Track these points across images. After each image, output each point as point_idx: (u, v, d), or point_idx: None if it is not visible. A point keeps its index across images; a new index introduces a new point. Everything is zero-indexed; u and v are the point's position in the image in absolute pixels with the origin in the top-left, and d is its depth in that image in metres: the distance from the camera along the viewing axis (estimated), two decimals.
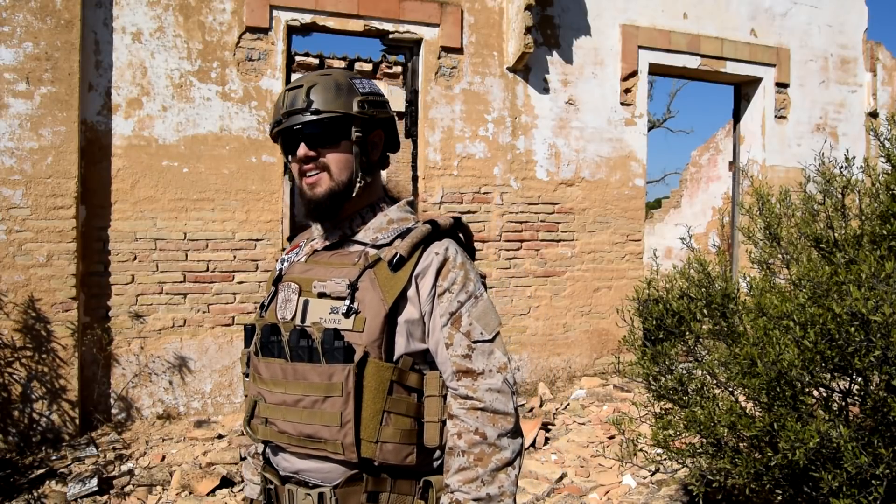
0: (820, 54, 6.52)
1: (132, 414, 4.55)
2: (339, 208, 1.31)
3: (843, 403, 2.29)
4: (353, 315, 1.21)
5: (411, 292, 1.23)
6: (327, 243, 1.34)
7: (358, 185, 1.30)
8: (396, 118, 1.43)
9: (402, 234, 1.28)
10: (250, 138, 4.79)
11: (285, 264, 1.39)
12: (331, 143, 1.27)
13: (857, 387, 2.22)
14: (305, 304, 1.26)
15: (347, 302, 1.21)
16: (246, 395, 1.36)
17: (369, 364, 1.19)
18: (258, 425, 1.30)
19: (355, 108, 1.27)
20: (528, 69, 5.49)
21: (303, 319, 1.25)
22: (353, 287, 1.22)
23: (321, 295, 1.24)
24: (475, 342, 1.23)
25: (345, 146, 1.28)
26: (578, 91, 5.65)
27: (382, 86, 12.20)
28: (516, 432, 1.22)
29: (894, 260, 1.93)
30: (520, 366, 5.48)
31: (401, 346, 1.24)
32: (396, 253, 1.23)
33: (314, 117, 1.25)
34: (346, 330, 1.20)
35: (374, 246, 1.29)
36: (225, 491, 3.68)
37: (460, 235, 1.36)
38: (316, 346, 1.20)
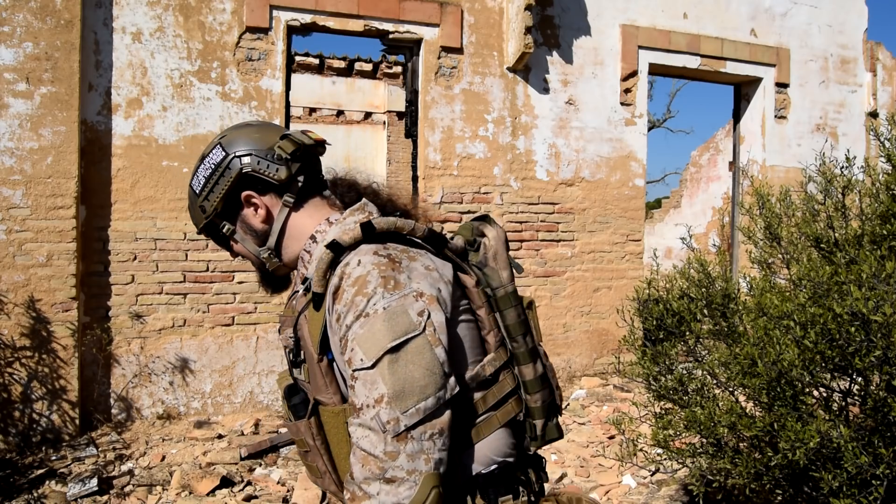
0: (820, 54, 6.52)
1: (132, 414, 4.55)
2: (278, 277, 1.30)
3: (844, 403, 2.29)
4: (301, 365, 1.17)
5: (331, 323, 1.09)
6: (297, 289, 1.26)
7: (264, 257, 1.26)
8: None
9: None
10: None
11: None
12: (223, 242, 1.30)
13: (857, 387, 2.22)
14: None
15: (293, 353, 1.19)
16: None
17: (322, 413, 1.13)
18: None
19: (206, 212, 1.24)
20: (528, 69, 5.48)
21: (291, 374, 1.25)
22: (296, 337, 1.17)
23: (286, 348, 1.23)
24: (355, 370, 1.03)
25: (232, 237, 1.28)
26: (578, 91, 5.65)
27: (382, 86, 12.15)
28: (391, 480, 0.97)
29: (895, 260, 1.93)
30: None
31: (342, 383, 1.13)
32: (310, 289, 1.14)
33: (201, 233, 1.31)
34: (303, 381, 1.18)
35: (306, 285, 1.19)
36: (225, 491, 3.68)
37: (418, 238, 1.14)
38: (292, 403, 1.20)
